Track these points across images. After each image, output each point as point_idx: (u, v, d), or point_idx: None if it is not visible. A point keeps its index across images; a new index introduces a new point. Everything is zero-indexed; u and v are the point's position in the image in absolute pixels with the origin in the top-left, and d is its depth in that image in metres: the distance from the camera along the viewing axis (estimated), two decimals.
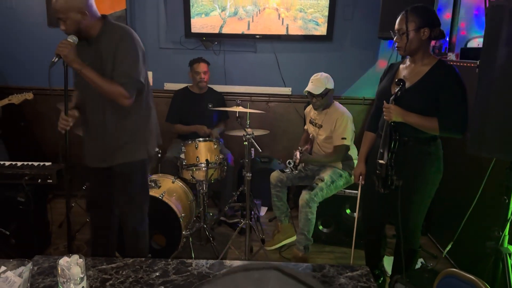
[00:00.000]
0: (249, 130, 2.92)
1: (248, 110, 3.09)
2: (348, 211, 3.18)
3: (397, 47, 2.03)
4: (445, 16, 3.46)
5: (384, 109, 2.01)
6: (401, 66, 2.15)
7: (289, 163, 2.84)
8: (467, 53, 2.94)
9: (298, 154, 2.85)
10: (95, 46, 2.04)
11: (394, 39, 2.03)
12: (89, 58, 2.01)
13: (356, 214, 2.55)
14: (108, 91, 1.98)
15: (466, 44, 3.23)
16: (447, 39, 3.29)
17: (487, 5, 2.44)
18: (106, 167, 2.18)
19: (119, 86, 1.98)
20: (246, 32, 3.76)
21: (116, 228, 2.37)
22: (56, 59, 1.94)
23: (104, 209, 2.32)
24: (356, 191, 2.93)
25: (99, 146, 2.16)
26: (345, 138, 2.88)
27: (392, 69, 2.21)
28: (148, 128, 2.23)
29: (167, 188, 2.92)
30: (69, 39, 1.96)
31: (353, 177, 2.49)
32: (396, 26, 2.02)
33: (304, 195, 2.80)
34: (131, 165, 2.19)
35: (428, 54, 2.03)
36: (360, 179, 2.38)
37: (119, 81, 1.99)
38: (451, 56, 3.08)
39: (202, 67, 3.58)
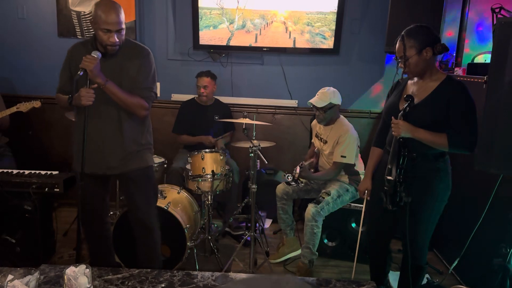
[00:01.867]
0: (255, 142, 2.94)
1: (255, 122, 3.10)
2: (353, 225, 3.16)
3: (403, 72, 2.04)
4: (447, 34, 3.49)
5: (392, 124, 2.01)
6: (409, 82, 2.16)
7: (288, 176, 2.83)
8: (474, 68, 2.95)
9: (298, 169, 2.84)
10: (114, 61, 2.13)
11: (399, 65, 2.04)
12: (108, 71, 2.07)
13: (360, 228, 2.53)
14: (130, 104, 2.14)
15: (473, 60, 3.24)
16: (454, 54, 3.31)
17: (495, 22, 2.45)
18: (115, 174, 2.28)
19: (141, 99, 2.16)
20: (254, 44, 3.80)
21: (111, 234, 2.56)
22: (82, 72, 2.00)
23: (99, 219, 2.41)
24: (362, 205, 2.92)
25: (112, 154, 2.23)
26: (344, 157, 2.88)
27: (400, 84, 2.22)
28: (152, 135, 2.41)
29: (173, 199, 2.93)
30: (93, 55, 2.03)
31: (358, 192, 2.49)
32: (396, 53, 2.03)
33: (310, 209, 2.79)
34: (147, 170, 2.35)
35: (436, 70, 2.04)
36: (366, 195, 2.37)
37: (142, 94, 2.16)
38: (458, 72, 3.09)
39: (203, 81, 3.60)
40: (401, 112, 2.00)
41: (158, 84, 3.98)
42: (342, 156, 2.88)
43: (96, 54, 2.03)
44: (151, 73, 2.22)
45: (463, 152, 1.97)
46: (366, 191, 2.35)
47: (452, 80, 2.00)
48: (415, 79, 2.10)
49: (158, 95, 3.97)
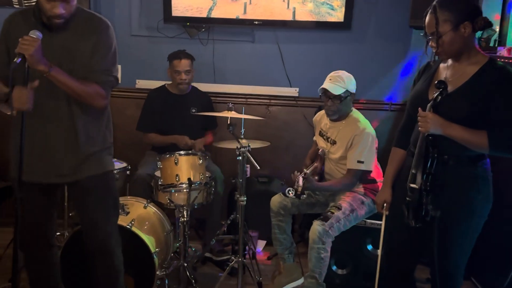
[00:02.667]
0: (244, 142, 2.94)
1: (243, 116, 3.10)
2: (370, 247, 3.18)
3: (435, 53, 2.05)
4: (494, 17, 3.52)
5: (419, 118, 2.02)
6: (442, 65, 2.17)
7: (289, 191, 2.73)
8: None
9: (301, 179, 2.76)
10: (63, 37, 2.12)
11: (429, 44, 2.05)
12: (55, 52, 2.05)
13: (379, 252, 2.54)
14: (84, 93, 2.12)
15: None
16: (497, 30, 3.34)
17: None
18: (66, 182, 2.29)
19: (97, 85, 2.14)
20: (242, 16, 3.80)
21: (58, 261, 2.54)
22: (19, 59, 1.95)
23: (42, 241, 2.39)
24: (381, 222, 2.94)
25: (62, 158, 2.22)
26: (362, 162, 2.89)
27: (430, 68, 2.23)
28: (112, 132, 2.41)
29: (138, 215, 2.91)
30: (32, 35, 1.99)
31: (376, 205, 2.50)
32: (426, 29, 2.04)
33: (316, 227, 2.79)
34: (106, 177, 2.34)
35: (476, 50, 2.05)
36: (384, 208, 2.38)
37: (99, 79, 2.14)
38: (503, 52, 3.12)
39: (184, 64, 3.60)
40: (431, 102, 2.01)
41: (119, 68, 3.98)
42: (359, 162, 2.89)
43: (35, 35, 1.99)
44: (111, 52, 2.20)
45: (508, 155, 1.99)
46: (385, 204, 2.37)
47: (496, 63, 2.01)
48: (449, 61, 2.12)
49: (120, 81, 3.98)
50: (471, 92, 1.99)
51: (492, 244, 2.93)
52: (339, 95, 2.90)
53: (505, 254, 2.84)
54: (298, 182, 2.73)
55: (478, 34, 3.26)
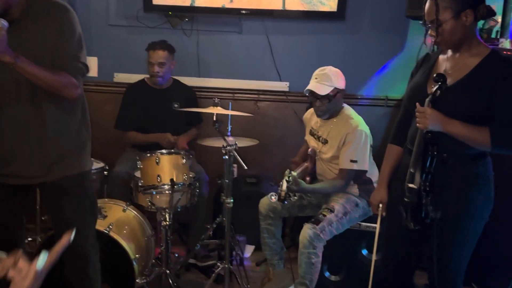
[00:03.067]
0: (230, 140, 2.93)
1: (230, 112, 3.09)
2: (365, 251, 3.20)
3: (435, 42, 2.06)
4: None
5: (417, 114, 2.03)
6: (441, 56, 2.18)
7: (272, 196, 2.73)
8: None
9: (284, 183, 2.70)
10: (19, 26, 2.06)
11: (429, 32, 2.05)
12: (12, 44, 2.02)
13: (373, 256, 2.56)
14: (56, 83, 2.08)
15: None
16: (499, 20, 3.37)
17: None
18: (37, 183, 2.24)
19: (67, 74, 2.10)
20: (228, 5, 3.79)
21: None
22: None
23: (12, 249, 2.35)
24: (376, 225, 2.95)
25: (33, 157, 2.19)
26: (355, 161, 2.89)
27: (429, 60, 2.24)
28: (90, 127, 2.39)
29: (116, 219, 2.90)
30: None
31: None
32: (426, 16, 2.04)
33: (307, 231, 2.80)
34: (82, 177, 2.32)
35: (477, 41, 2.06)
36: (380, 209, 2.39)
37: (66, 67, 2.11)
38: (505, 43, 3.15)
39: (158, 56, 3.58)
40: (429, 97, 2.02)
41: (94, 59, 3.97)
42: (352, 161, 2.90)
43: (0, 23, 1.94)
44: (75, 37, 2.16)
45: (510, 153, 2.00)
46: (380, 205, 2.37)
47: (498, 55, 2.02)
48: (449, 53, 2.13)
49: (96, 75, 3.93)
50: (472, 85, 1.99)
51: (493, 247, 2.96)
52: (327, 94, 2.90)
53: (507, 257, 2.87)
54: (281, 186, 2.70)
55: (480, 24, 3.30)
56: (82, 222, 2.33)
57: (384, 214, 2.38)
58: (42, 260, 1.28)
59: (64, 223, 2.32)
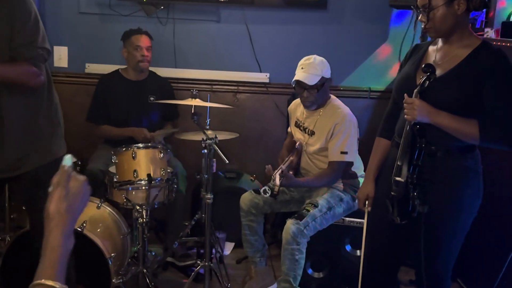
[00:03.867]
0: (209, 133, 2.91)
1: (209, 104, 3.07)
2: (348, 247, 3.22)
3: (424, 28, 2.06)
4: None
5: (405, 105, 2.04)
6: (431, 47, 2.20)
7: (265, 191, 2.68)
8: (510, 28, 3.04)
9: (277, 177, 2.72)
10: None
11: (419, 18, 2.06)
12: None
13: (362, 252, 2.56)
14: (14, 75, 2.05)
15: (509, 17, 3.35)
16: (484, 10, 3.41)
17: None
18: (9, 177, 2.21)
19: (25, 63, 2.06)
20: None
21: None
22: None
23: None
24: (361, 220, 2.97)
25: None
26: (346, 153, 2.90)
27: (418, 51, 2.25)
28: (59, 110, 2.34)
29: (90, 217, 2.86)
30: None
31: (357, 201, 2.52)
32: (418, 1, 2.05)
33: (290, 226, 2.80)
34: (56, 164, 2.25)
35: (469, 32, 2.08)
36: (366, 205, 2.40)
37: (24, 56, 2.06)
38: (490, 33, 3.18)
39: (145, 40, 3.57)
40: (418, 87, 2.03)
41: (65, 49, 3.91)
42: (342, 153, 2.90)
43: None
44: (30, 20, 2.08)
45: (500, 146, 2.03)
46: (367, 200, 2.38)
47: (489, 47, 2.04)
48: (439, 43, 2.15)
49: (66, 65, 3.87)
50: (461, 77, 2.01)
51: (480, 242, 3.00)
52: (316, 84, 2.90)
53: (494, 253, 2.90)
54: (274, 180, 2.68)
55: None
56: None
57: (369, 209, 2.39)
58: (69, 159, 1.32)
59: (39, 216, 2.28)
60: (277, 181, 2.67)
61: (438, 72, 2.03)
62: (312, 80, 2.90)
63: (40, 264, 1.15)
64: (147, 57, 3.58)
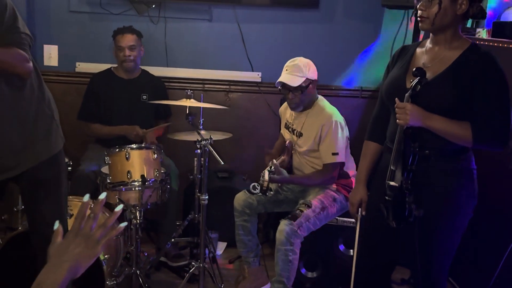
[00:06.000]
0: (203, 133, 2.91)
1: (203, 105, 3.07)
2: (342, 247, 3.24)
3: (420, 17, 2.05)
4: None
5: (397, 110, 2.04)
6: (419, 49, 2.20)
7: (254, 187, 2.76)
8: (502, 29, 3.06)
9: (266, 173, 2.77)
10: None
11: (418, 5, 2.04)
12: None
13: (354, 252, 2.57)
14: (6, 58, 1.99)
15: (499, 17, 3.38)
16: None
17: None
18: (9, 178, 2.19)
19: (12, 47, 2.01)
20: None
21: None
22: None
23: None
24: (354, 220, 2.98)
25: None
26: (337, 154, 2.92)
27: (406, 53, 2.25)
28: (52, 102, 2.32)
29: None
30: None
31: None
32: None
33: (284, 227, 2.82)
34: (58, 156, 2.29)
35: (458, 35, 2.10)
36: (360, 210, 2.39)
37: (9, 39, 2.02)
38: (481, 33, 3.21)
39: (127, 39, 3.53)
40: (409, 92, 2.03)
41: (55, 48, 3.88)
42: (334, 154, 2.92)
43: None
44: (7, 8, 2.03)
45: (493, 147, 2.05)
46: (360, 206, 2.38)
47: (479, 49, 2.05)
48: (427, 45, 2.15)
49: (56, 64, 3.83)
50: (452, 80, 2.02)
51: (473, 242, 3.03)
52: (299, 85, 2.92)
53: (487, 253, 2.92)
54: (263, 176, 2.74)
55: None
56: (58, 212, 2.29)
57: (363, 213, 2.39)
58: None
59: (39, 214, 2.27)
60: (266, 177, 2.72)
61: (428, 75, 2.04)
62: (295, 82, 2.91)
63: None
64: (129, 56, 3.54)
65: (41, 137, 2.23)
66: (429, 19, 2.04)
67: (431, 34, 2.15)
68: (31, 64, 2.10)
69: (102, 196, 1.35)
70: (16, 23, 2.06)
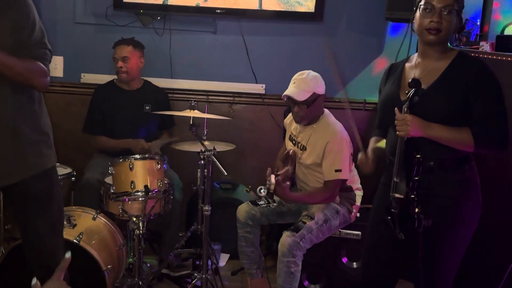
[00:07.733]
0: (207, 144, 2.92)
1: (207, 116, 3.09)
2: (345, 259, 3.23)
3: (436, 29, 2.04)
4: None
5: (396, 121, 2.05)
6: (407, 64, 2.25)
7: (261, 190, 2.76)
8: (506, 42, 3.08)
9: (273, 177, 2.79)
10: None
11: (431, 16, 2.03)
12: None
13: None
14: (26, 71, 2.02)
15: (503, 31, 3.40)
16: (478, 23, 3.46)
17: None
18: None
19: (36, 62, 2.05)
20: (203, 4, 3.78)
21: None
22: None
23: None
24: (357, 232, 2.99)
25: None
26: (340, 170, 2.90)
27: (395, 70, 2.30)
28: (47, 115, 2.32)
29: (86, 228, 2.86)
30: None
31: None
32: (440, 1, 2.03)
33: (286, 239, 2.81)
34: (50, 174, 2.27)
35: (448, 47, 2.15)
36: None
37: (34, 54, 2.05)
38: (485, 47, 3.22)
39: (121, 51, 3.55)
40: (407, 103, 2.04)
41: (60, 59, 3.91)
42: (337, 171, 2.90)
43: None
44: (35, 20, 2.09)
45: (494, 150, 2.07)
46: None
47: (466, 56, 2.11)
48: (415, 59, 2.20)
49: (61, 75, 3.86)
50: (446, 87, 2.06)
51: (478, 252, 3.01)
52: (306, 100, 2.91)
53: (490, 263, 2.92)
54: (270, 180, 2.74)
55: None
56: (51, 228, 2.28)
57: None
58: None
59: (32, 229, 2.25)
60: (273, 180, 2.73)
61: (422, 86, 2.04)
62: (301, 96, 2.90)
63: None
64: (121, 68, 3.55)
65: (34, 151, 2.20)
66: (445, 32, 2.06)
67: (420, 48, 2.20)
68: (48, 79, 2.14)
69: (67, 255, 1.53)
70: (43, 39, 2.13)
